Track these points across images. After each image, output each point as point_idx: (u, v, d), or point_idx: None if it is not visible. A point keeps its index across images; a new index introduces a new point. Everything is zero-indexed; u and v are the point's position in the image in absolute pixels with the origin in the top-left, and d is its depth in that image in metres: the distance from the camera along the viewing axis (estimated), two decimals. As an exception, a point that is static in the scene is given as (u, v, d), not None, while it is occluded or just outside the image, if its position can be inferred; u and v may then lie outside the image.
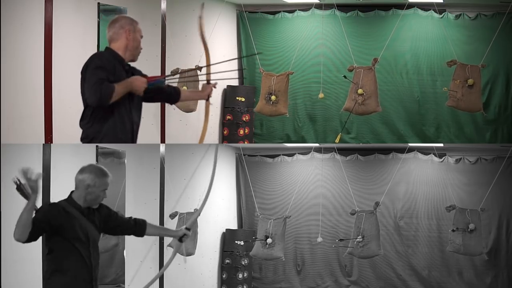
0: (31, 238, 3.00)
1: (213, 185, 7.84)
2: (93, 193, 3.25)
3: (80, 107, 3.70)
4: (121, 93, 3.52)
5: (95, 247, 3.30)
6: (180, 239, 3.57)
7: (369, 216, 5.97)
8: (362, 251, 5.92)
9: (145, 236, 3.56)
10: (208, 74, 4.23)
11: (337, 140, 6.71)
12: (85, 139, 3.64)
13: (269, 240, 6.18)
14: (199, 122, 8.04)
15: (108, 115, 3.57)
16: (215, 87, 4.23)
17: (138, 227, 3.48)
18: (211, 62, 4.25)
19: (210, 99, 4.10)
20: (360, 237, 5.88)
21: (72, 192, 3.29)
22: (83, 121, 3.61)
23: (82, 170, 3.28)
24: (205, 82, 4.02)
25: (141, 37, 3.73)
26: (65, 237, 3.13)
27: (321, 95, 7.00)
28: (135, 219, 3.49)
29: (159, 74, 6.88)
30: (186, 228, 3.55)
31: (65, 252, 3.14)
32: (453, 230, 5.84)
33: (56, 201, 3.27)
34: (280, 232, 6.24)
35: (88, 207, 3.28)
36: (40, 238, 3.13)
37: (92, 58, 3.60)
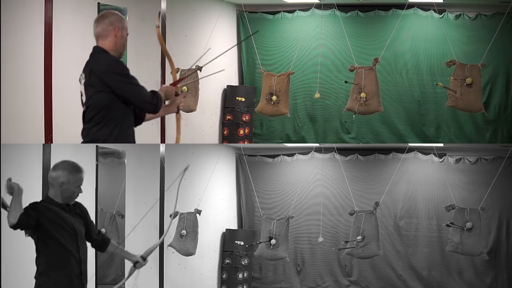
0: (20, 221, 3.02)
1: (213, 185, 7.89)
2: (68, 190, 3.23)
3: (81, 107, 3.69)
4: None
5: (83, 241, 3.31)
6: (134, 265, 3.56)
7: (368, 216, 5.96)
8: (362, 251, 5.91)
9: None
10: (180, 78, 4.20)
11: (316, 96, 6.84)
12: (93, 141, 3.59)
13: (273, 241, 6.18)
14: (199, 122, 8.05)
15: (122, 118, 3.56)
16: (185, 97, 4.21)
17: (103, 241, 3.52)
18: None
19: (181, 111, 4.03)
20: (360, 237, 5.87)
21: (48, 191, 3.28)
22: (90, 124, 3.52)
23: (55, 167, 3.26)
24: (174, 94, 3.90)
25: (127, 34, 3.70)
26: (53, 234, 3.13)
27: (317, 95, 6.99)
28: (103, 234, 3.52)
29: (159, 73, 6.89)
30: (142, 257, 3.53)
31: (54, 250, 3.14)
32: (447, 225, 5.82)
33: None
34: (283, 232, 6.24)
35: (67, 204, 3.28)
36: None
37: (116, 64, 3.52)
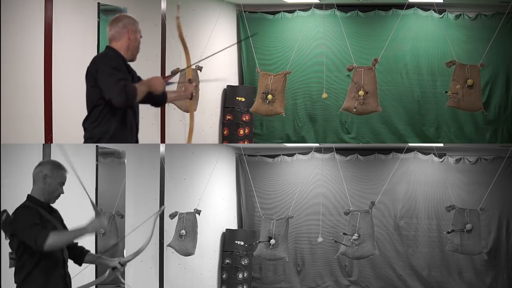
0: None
1: (213, 185, 7.89)
2: (51, 184, 3.22)
3: (81, 107, 3.70)
4: (143, 93, 3.52)
5: None
6: (112, 269, 3.48)
7: (364, 216, 5.96)
8: (357, 251, 5.90)
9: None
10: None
11: (324, 96, 6.83)
12: (89, 139, 3.62)
13: (272, 241, 6.18)
14: (199, 122, 8.05)
15: (116, 115, 3.57)
16: (197, 86, 4.22)
17: (82, 253, 3.44)
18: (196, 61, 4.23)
19: (194, 97, 4.06)
20: (356, 235, 5.87)
21: (30, 192, 3.25)
22: (88, 122, 3.59)
23: (39, 164, 3.28)
24: (187, 81, 3.98)
25: (141, 37, 3.75)
26: None
27: (324, 95, 6.98)
28: (82, 246, 3.46)
29: (159, 74, 6.88)
30: (120, 263, 3.44)
31: (41, 252, 3.09)
32: (448, 232, 5.84)
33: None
34: (283, 232, 6.24)
35: (48, 205, 3.26)
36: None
37: (102, 58, 3.59)
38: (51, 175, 3.23)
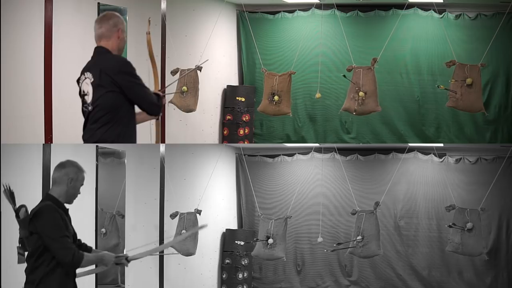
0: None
1: (213, 185, 7.89)
2: (75, 187, 3.25)
3: (80, 107, 3.68)
4: None
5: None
6: (116, 264, 3.44)
7: (369, 216, 5.96)
8: (362, 251, 5.92)
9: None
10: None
11: (317, 96, 6.82)
12: (100, 142, 3.60)
13: (270, 241, 6.17)
14: (199, 122, 8.05)
15: (128, 118, 3.58)
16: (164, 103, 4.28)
17: (86, 250, 3.41)
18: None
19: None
20: (359, 237, 5.87)
21: (48, 191, 3.25)
22: (98, 125, 3.52)
23: (62, 165, 3.26)
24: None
25: (126, 36, 3.75)
26: None
27: (318, 95, 6.98)
28: (85, 243, 3.45)
29: (158, 75, 6.88)
30: (127, 259, 3.41)
31: None
32: (449, 226, 5.82)
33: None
34: (281, 232, 6.24)
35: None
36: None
37: (130, 64, 3.57)
38: (77, 178, 3.25)
